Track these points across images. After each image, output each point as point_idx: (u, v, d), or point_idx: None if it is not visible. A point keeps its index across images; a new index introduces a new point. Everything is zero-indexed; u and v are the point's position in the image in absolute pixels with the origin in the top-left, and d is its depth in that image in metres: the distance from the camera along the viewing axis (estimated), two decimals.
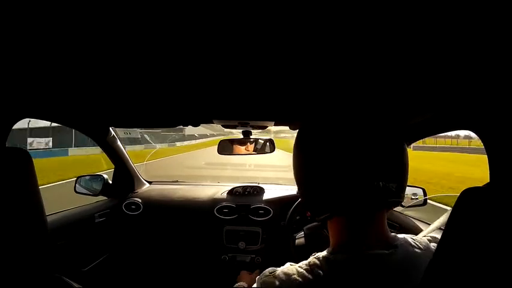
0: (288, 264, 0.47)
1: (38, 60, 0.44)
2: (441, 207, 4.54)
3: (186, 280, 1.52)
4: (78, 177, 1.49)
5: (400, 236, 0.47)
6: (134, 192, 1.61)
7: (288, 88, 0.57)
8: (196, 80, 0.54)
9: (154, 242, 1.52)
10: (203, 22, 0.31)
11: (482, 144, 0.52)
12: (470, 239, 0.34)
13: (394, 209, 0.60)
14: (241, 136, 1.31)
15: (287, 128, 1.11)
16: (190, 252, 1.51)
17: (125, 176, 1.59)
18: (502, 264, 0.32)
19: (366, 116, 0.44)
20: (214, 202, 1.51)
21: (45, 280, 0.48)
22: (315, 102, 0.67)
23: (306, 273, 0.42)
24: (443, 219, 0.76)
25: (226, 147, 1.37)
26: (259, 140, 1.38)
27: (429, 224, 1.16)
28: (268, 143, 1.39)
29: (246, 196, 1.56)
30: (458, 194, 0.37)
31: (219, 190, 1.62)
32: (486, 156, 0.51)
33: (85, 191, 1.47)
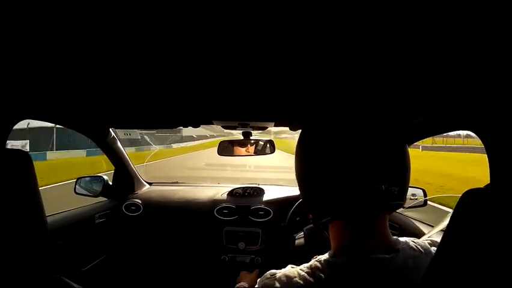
0: (289, 266, 0.47)
1: (39, 61, 0.44)
2: (437, 207, 4.52)
3: (186, 280, 1.52)
4: (78, 178, 1.49)
5: (402, 239, 0.47)
6: (134, 193, 1.61)
7: (288, 89, 0.57)
8: (196, 80, 0.54)
9: (154, 243, 1.52)
10: (203, 23, 0.31)
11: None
12: (471, 240, 0.34)
13: None
14: (241, 137, 1.31)
15: (288, 128, 1.12)
16: (190, 252, 1.51)
17: (125, 177, 1.59)
18: (502, 266, 0.32)
19: (368, 118, 0.44)
20: (214, 203, 1.51)
21: (45, 280, 0.48)
22: (316, 103, 0.67)
23: (308, 276, 0.42)
24: (446, 222, 0.76)
25: (226, 149, 1.37)
26: (259, 141, 1.38)
27: (429, 225, 1.16)
28: (268, 144, 1.39)
29: (246, 197, 1.56)
30: (459, 195, 0.37)
31: (219, 191, 1.62)
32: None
33: (85, 192, 1.47)
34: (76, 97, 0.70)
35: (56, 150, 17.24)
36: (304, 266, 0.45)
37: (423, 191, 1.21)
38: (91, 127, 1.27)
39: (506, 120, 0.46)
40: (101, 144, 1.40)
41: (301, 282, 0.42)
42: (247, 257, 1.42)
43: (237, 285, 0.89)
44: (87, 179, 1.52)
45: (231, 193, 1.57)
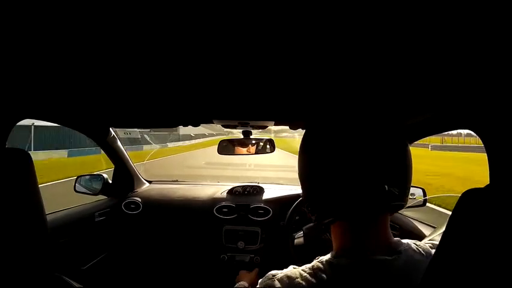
0: (291, 267, 0.47)
1: (39, 60, 0.44)
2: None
3: (185, 279, 1.52)
4: (78, 177, 1.50)
5: (404, 241, 0.47)
6: (134, 192, 1.61)
7: (288, 88, 0.57)
8: (196, 80, 0.54)
9: (154, 241, 1.52)
10: (203, 22, 0.31)
11: None
12: (470, 240, 0.34)
13: None
14: (241, 136, 1.31)
15: (288, 127, 1.11)
16: (189, 251, 1.51)
17: (125, 176, 1.59)
18: (502, 266, 0.32)
19: (369, 119, 0.44)
20: (213, 202, 1.51)
21: (45, 279, 0.48)
22: (316, 102, 0.67)
23: (310, 277, 0.42)
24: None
25: (226, 148, 1.37)
26: (259, 140, 1.38)
27: (429, 225, 1.16)
28: (268, 143, 1.39)
29: (245, 196, 1.56)
30: (458, 195, 0.37)
31: (218, 190, 1.62)
32: None
33: (84, 190, 1.47)
34: (76, 97, 0.70)
35: (35, 150, 14.67)
36: (306, 267, 0.45)
37: (423, 190, 1.21)
38: (91, 126, 1.27)
39: (506, 120, 0.46)
40: (102, 143, 1.40)
41: (304, 283, 0.42)
42: (246, 256, 1.42)
43: (237, 284, 0.89)
44: (87, 177, 1.52)
45: (231, 192, 1.57)
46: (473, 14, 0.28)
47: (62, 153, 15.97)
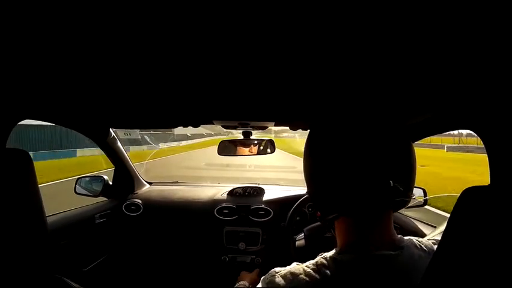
0: (294, 264, 0.47)
1: (39, 61, 0.44)
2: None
3: (186, 281, 1.52)
4: (78, 178, 1.50)
5: (405, 238, 0.47)
6: (134, 193, 1.61)
7: (290, 89, 0.57)
8: (196, 80, 0.54)
9: (154, 243, 1.52)
10: (203, 22, 0.31)
11: None
12: (471, 238, 0.34)
13: None
14: (241, 137, 1.31)
15: (288, 127, 1.11)
16: (190, 253, 1.51)
17: (125, 177, 1.59)
18: (502, 264, 0.32)
19: (374, 116, 0.44)
20: (214, 203, 1.51)
21: (46, 280, 0.48)
22: (316, 102, 0.67)
23: (313, 273, 0.42)
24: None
25: (226, 148, 1.37)
26: (259, 141, 1.38)
27: (430, 225, 1.16)
28: (268, 144, 1.39)
29: (246, 197, 1.56)
30: (458, 195, 0.37)
31: (219, 191, 1.62)
32: None
33: (85, 192, 1.47)
34: (76, 97, 0.70)
35: None
36: (310, 263, 0.45)
37: (424, 190, 1.21)
38: (91, 127, 1.27)
39: (506, 120, 0.46)
40: (101, 144, 1.40)
41: (307, 279, 0.42)
42: (247, 257, 1.42)
43: (237, 284, 0.89)
44: (87, 179, 1.52)
45: (231, 193, 1.57)
46: (474, 15, 0.28)
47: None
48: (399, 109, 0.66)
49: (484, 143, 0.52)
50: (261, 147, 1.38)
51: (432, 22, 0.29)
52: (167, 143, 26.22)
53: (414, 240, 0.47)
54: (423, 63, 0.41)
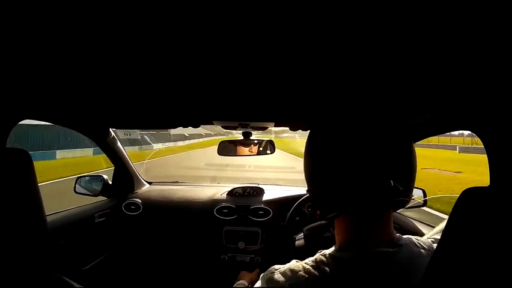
0: (293, 261, 0.47)
1: (39, 61, 0.44)
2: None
3: (186, 280, 1.52)
4: (78, 178, 1.50)
5: (404, 236, 0.47)
6: (134, 193, 1.61)
7: (290, 89, 0.58)
8: (196, 81, 0.54)
9: (154, 242, 1.52)
10: (203, 23, 0.31)
11: None
12: (470, 238, 0.34)
13: None
14: (241, 137, 1.31)
15: (288, 128, 1.12)
16: (189, 252, 1.51)
17: (125, 177, 1.59)
18: (501, 264, 0.32)
19: (375, 116, 0.45)
20: (213, 203, 1.51)
21: (45, 280, 0.48)
22: (316, 103, 0.67)
23: (313, 270, 0.43)
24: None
25: (226, 149, 1.37)
26: (259, 142, 1.38)
27: (429, 225, 1.16)
28: (268, 144, 1.39)
29: (245, 197, 1.56)
30: (457, 195, 0.37)
31: (218, 191, 1.62)
32: None
33: (84, 191, 1.47)
34: (76, 97, 0.70)
35: None
36: (309, 260, 0.45)
37: (423, 191, 1.21)
38: (91, 127, 1.27)
39: (506, 120, 0.46)
40: (101, 144, 1.40)
41: (306, 275, 0.42)
42: (247, 257, 1.42)
43: (236, 283, 0.89)
44: (87, 178, 1.52)
45: (231, 193, 1.57)
46: (474, 15, 0.28)
47: None
48: (399, 109, 0.66)
49: (484, 144, 0.52)
50: (261, 148, 1.39)
51: (432, 23, 0.30)
52: (166, 144, 25.79)
53: (414, 239, 0.48)
54: (423, 64, 0.41)
